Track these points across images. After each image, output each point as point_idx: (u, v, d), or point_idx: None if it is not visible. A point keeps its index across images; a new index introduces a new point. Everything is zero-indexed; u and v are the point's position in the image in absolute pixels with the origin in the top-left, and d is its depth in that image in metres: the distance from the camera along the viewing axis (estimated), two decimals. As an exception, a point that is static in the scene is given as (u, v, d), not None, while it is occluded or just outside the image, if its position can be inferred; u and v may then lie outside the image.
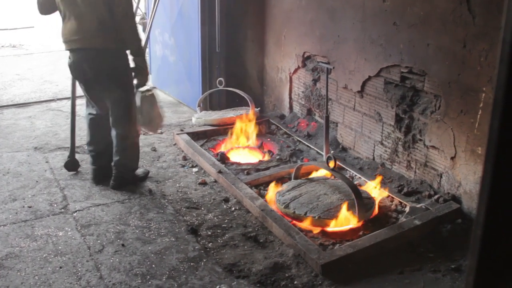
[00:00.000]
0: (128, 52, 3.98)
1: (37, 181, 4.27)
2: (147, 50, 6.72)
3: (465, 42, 3.39)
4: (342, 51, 4.59)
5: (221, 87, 5.64)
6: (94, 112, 4.21)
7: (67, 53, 3.98)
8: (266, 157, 4.77)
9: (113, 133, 4.14)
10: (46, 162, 4.67)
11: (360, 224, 3.50)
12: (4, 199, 3.97)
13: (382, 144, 4.31)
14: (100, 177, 4.26)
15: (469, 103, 3.46)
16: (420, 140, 3.93)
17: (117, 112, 4.06)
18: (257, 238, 3.46)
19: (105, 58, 3.88)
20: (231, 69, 5.94)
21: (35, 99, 6.70)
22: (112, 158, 4.21)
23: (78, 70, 3.95)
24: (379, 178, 4.07)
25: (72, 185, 4.23)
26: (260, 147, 4.99)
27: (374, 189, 3.95)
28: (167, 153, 4.95)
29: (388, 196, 3.88)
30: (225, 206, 3.92)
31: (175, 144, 5.14)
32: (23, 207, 3.86)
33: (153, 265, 3.19)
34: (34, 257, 3.24)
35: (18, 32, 11.53)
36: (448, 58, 3.55)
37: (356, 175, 4.26)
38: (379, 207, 3.74)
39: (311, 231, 3.49)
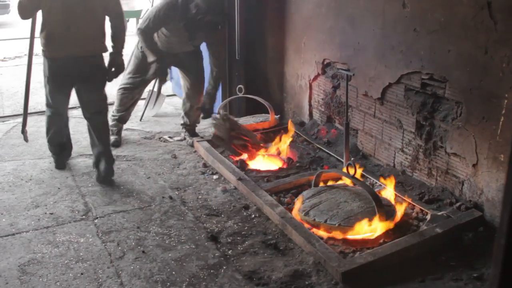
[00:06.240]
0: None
1: (59, 188, 4.32)
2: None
3: (487, 48, 3.36)
4: (362, 58, 4.58)
5: (241, 94, 5.64)
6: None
7: None
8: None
9: None
10: (68, 169, 4.73)
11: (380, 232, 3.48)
12: (26, 205, 4.03)
13: (402, 151, 4.28)
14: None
15: (491, 110, 3.42)
16: (441, 147, 3.89)
17: None
18: (277, 245, 3.45)
19: None
20: (251, 76, 5.95)
21: (58, 107, 6.77)
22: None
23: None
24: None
25: (93, 191, 4.27)
26: (279, 154, 4.98)
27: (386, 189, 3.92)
28: (187, 160, 4.97)
29: (409, 203, 3.84)
30: (245, 213, 3.92)
31: (195, 151, 5.16)
32: (45, 213, 3.90)
33: (173, 272, 3.20)
34: (56, 263, 3.28)
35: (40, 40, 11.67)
36: (470, 65, 3.52)
37: (376, 183, 4.23)
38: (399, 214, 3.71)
39: (331, 239, 3.47)
